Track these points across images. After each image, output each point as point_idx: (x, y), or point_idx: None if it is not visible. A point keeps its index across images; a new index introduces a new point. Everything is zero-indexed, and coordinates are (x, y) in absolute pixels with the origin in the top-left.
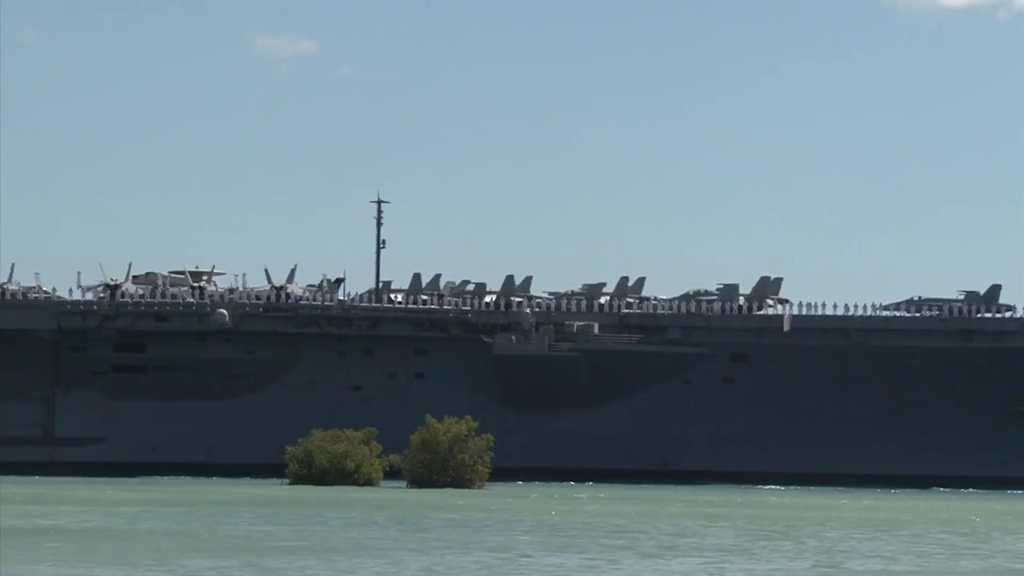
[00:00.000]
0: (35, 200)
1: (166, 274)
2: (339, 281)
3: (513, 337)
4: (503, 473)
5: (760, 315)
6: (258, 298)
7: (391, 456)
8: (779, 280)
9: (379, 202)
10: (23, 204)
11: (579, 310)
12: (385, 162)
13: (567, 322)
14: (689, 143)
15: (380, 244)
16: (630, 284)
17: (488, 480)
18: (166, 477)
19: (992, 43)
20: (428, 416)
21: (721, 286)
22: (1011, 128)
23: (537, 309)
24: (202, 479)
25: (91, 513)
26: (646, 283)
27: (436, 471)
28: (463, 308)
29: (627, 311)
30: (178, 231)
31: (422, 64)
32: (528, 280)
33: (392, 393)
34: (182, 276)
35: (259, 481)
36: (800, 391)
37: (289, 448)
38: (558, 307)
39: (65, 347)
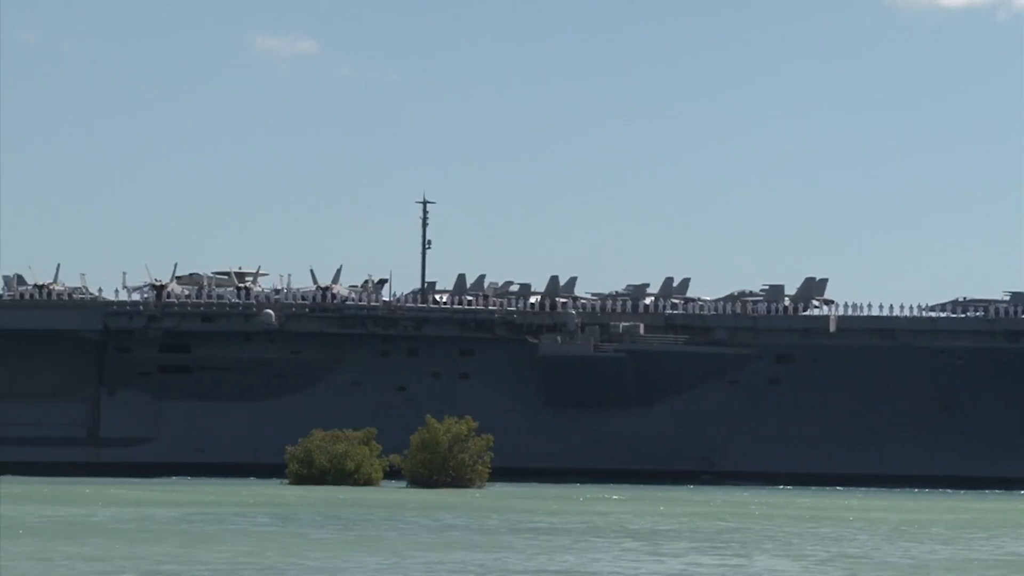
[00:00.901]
0: (80, 201)
1: (210, 275)
2: (382, 282)
3: (559, 338)
4: (545, 474)
5: (806, 316)
6: (304, 299)
7: (391, 456)
8: (824, 281)
9: (424, 203)
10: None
11: (624, 311)
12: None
13: (612, 323)
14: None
15: (426, 245)
16: (675, 285)
17: (537, 481)
18: (211, 478)
19: (992, 43)
20: (428, 416)
21: (766, 287)
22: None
23: (582, 310)
24: (250, 479)
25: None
26: (690, 284)
27: (436, 471)
28: (508, 309)
29: (672, 312)
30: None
31: (422, 64)
32: (573, 281)
33: (437, 394)
34: (225, 277)
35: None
36: (846, 392)
37: (289, 448)
38: (603, 308)
39: (110, 347)
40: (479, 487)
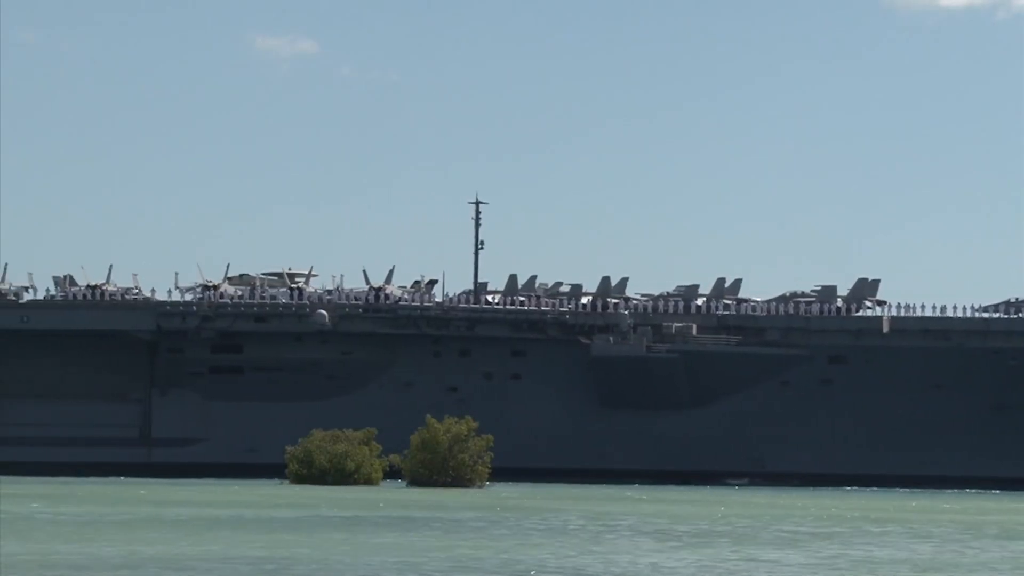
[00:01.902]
0: (130, 201)
1: (260, 276)
2: (432, 282)
3: (611, 338)
4: (597, 474)
5: (859, 316)
6: (356, 299)
7: (391, 456)
8: (876, 281)
9: (477, 203)
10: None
11: (676, 311)
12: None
13: (665, 323)
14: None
15: (478, 245)
16: (727, 285)
17: (589, 481)
18: (266, 480)
19: (991, 44)
20: (428, 416)
21: (818, 287)
22: None
23: (634, 311)
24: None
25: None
26: (742, 284)
27: (436, 471)
28: (561, 309)
29: (725, 312)
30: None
31: (422, 64)
32: (624, 281)
33: (488, 394)
34: (276, 278)
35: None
36: (898, 393)
37: (289, 448)
38: (655, 308)
39: (162, 348)
40: (479, 487)
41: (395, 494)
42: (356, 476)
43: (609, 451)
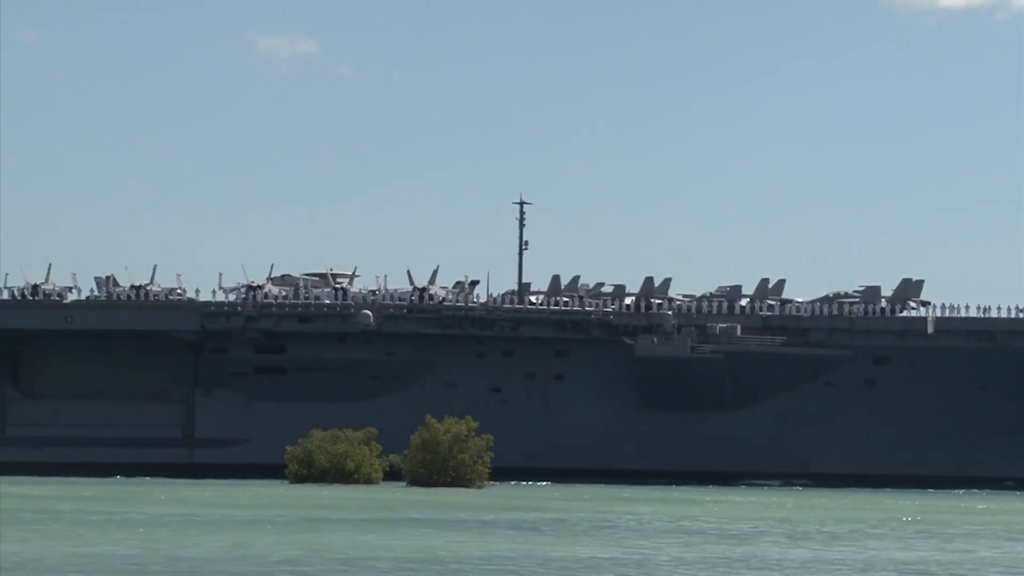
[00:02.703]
0: (177, 202)
1: (302, 276)
2: (474, 283)
3: (655, 339)
4: (639, 475)
5: (903, 317)
6: (400, 299)
7: (391, 456)
8: (920, 282)
9: (521, 203)
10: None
11: (719, 312)
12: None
13: (709, 324)
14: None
15: (523, 245)
16: (770, 286)
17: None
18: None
19: (991, 44)
20: (428, 416)
21: (862, 288)
22: None
23: (677, 311)
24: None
25: None
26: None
27: (436, 471)
28: (605, 310)
29: (769, 313)
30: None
31: (423, 64)
32: (667, 282)
33: (531, 395)
34: (318, 278)
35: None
36: (942, 393)
37: (289, 448)
38: (698, 309)
39: (206, 348)
40: (479, 487)
41: (406, 494)
42: (356, 476)
43: (651, 452)
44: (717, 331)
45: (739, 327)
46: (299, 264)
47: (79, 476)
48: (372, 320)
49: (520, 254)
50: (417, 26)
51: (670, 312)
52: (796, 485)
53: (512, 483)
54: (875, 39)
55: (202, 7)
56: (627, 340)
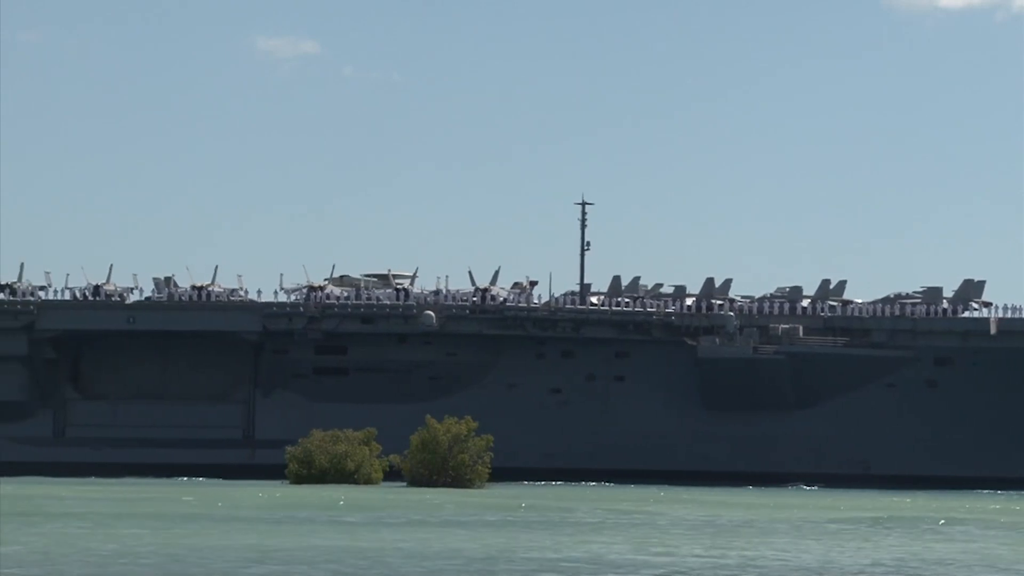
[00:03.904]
0: (238, 204)
1: (361, 276)
2: (533, 284)
3: (717, 339)
4: (701, 476)
5: (966, 318)
6: (461, 300)
7: (391, 456)
8: (982, 283)
9: (583, 204)
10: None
11: (780, 313)
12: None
13: (771, 325)
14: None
15: (584, 246)
16: (831, 287)
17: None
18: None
19: (991, 44)
20: (428, 416)
21: (924, 288)
22: None
23: (739, 312)
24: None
25: None
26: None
27: (436, 471)
28: (666, 311)
29: (830, 314)
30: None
31: (424, 64)
32: (728, 282)
33: (591, 396)
34: (377, 279)
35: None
36: (1004, 395)
37: (289, 448)
38: (760, 310)
39: (267, 349)
40: (479, 487)
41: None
42: (356, 476)
43: (712, 453)
44: (780, 332)
45: (801, 328)
46: (358, 265)
47: (138, 477)
48: (435, 321)
49: (582, 255)
50: (418, 26)
51: (732, 313)
52: (854, 486)
53: (524, 483)
54: (875, 39)
55: (203, 8)
56: (689, 341)
